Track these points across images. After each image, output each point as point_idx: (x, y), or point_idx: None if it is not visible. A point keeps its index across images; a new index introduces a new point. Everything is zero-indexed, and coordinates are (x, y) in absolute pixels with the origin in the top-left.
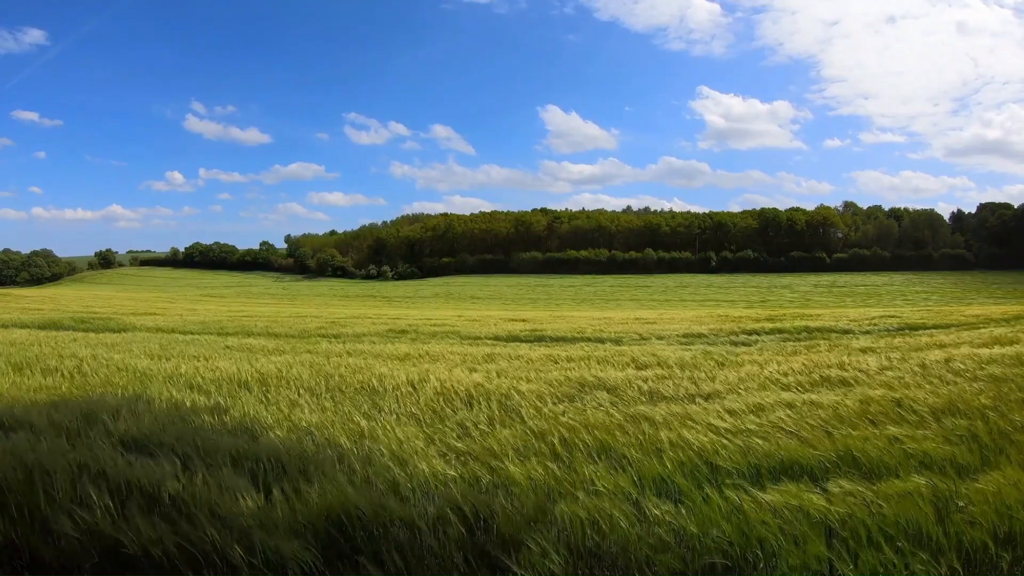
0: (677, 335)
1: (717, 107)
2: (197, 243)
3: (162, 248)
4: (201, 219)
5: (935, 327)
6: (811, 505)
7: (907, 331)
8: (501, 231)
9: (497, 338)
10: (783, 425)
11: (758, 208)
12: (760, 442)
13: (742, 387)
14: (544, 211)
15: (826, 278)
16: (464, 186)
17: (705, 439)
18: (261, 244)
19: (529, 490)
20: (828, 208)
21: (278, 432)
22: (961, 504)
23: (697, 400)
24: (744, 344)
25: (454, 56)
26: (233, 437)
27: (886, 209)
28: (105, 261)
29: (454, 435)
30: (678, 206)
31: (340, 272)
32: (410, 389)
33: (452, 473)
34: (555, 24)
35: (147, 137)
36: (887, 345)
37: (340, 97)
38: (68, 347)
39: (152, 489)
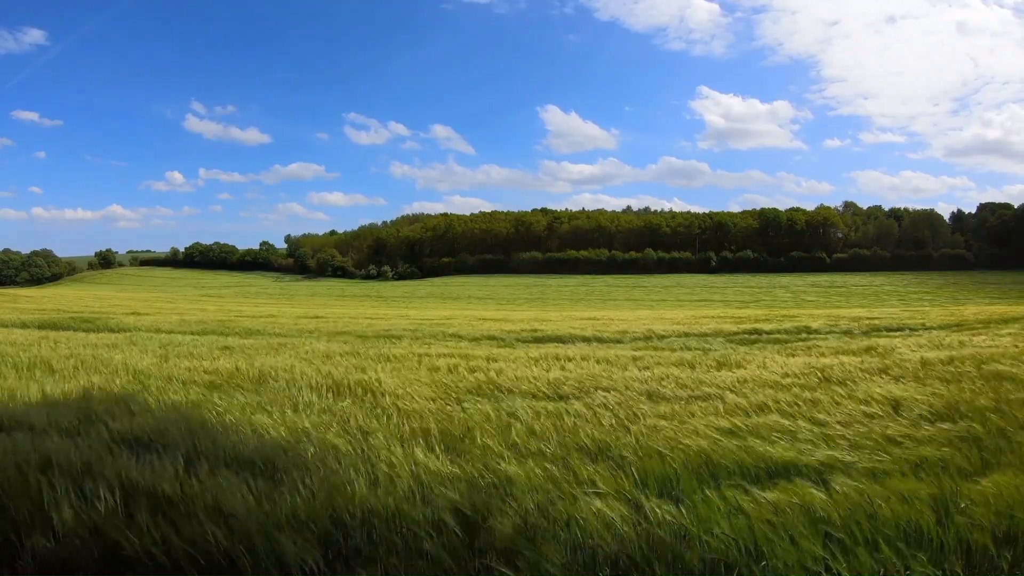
0: (677, 335)
1: (717, 107)
2: (197, 243)
3: (162, 248)
4: (201, 219)
5: (935, 327)
6: (810, 505)
7: (907, 331)
8: (501, 231)
9: (497, 338)
10: (783, 425)
11: (758, 208)
12: (759, 442)
13: (742, 387)
14: (544, 211)
15: (825, 278)
16: (464, 186)
17: (705, 439)
18: (261, 244)
19: (528, 490)
20: (828, 208)
21: (279, 431)
22: (961, 505)
23: (697, 400)
24: (744, 344)
25: (454, 56)
26: (233, 436)
27: (886, 209)
28: (105, 261)
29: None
30: (678, 206)
31: (340, 272)
32: (408, 391)
33: (452, 471)
34: (555, 24)
35: (147, 137)
36: (887, 346)
37: (340, 97)
38: (68, 347)
39: (152, 489)
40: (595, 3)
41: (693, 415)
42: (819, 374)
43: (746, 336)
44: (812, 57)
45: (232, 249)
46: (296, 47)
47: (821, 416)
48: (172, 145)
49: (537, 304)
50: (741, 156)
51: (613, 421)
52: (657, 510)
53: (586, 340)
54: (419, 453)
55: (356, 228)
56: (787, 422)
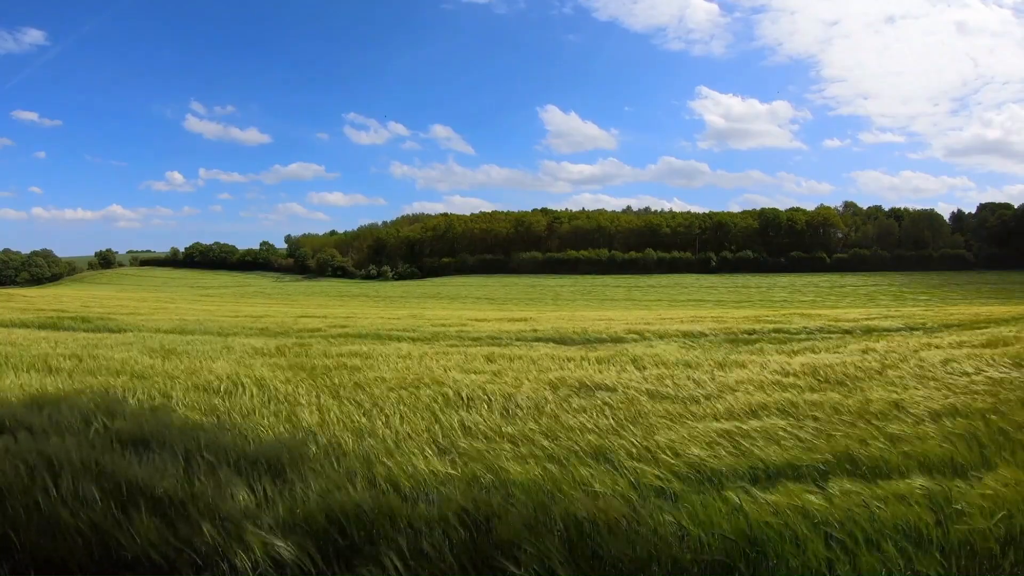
0: (677, 335)
1: (716, 107)
2: (197, 243)
3: (162, 248)
4: (201, 219)
5: (935, 328)
6: (810, 506)
7: (907, 331)
8: (501, 231)
9: (497, 338)
10: (783, 425)
11: (758, 208)
12: (760, 442)
13: (742, 387)
14: (544, 211)
15: (825, 278)
16: (464, 186)
17: (705, 440)
18: (261, 244)
19: (528, 491)
20: (828, 208)
21: (278, 431)
22: (961, 505)
23: (697, 400)
24: (744, 344)
25: (454, 56)
26: (233, 436)
27: (886, 209)
28: (105, 261)
29: (457, 434)
30: (678, 206)
31: (340, 272)
32: (409, 390)
33: (452, 472)
34: (554, 24)
35: (147, 137)
36: (886, 346)
37: (340, 97)
38: (68, 347)
39: (152, 488)
40: (594, 3)
41: (693, 415)
42: (819, 374)
43: (746, 336)
44: (812, 57)
45: (232, 249)
46: (296, 47)
47: (821, 416)
48: (172, 145)
49: (542, 304)
50: (741, 156)
51: (612, 421)
52: (656, 510)
53: (587, 340)
54: None
55: (356, 228)
56: (787, 422)
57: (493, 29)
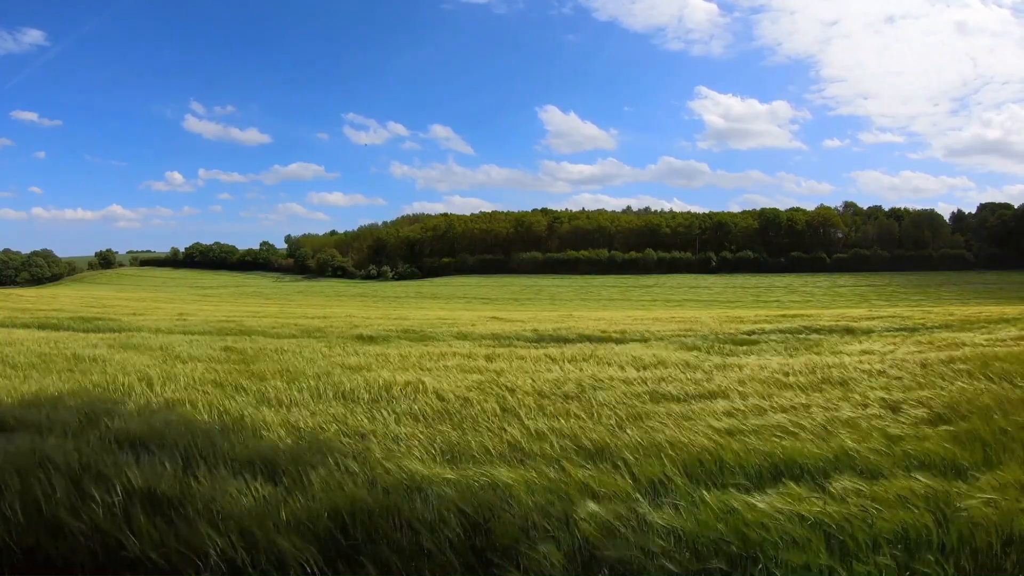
0: (677, 335)
1: (716, 107)
2: (197, 243)
3: (162, 248)
4: (201, 219)
5: (934, 328)
6: (810, 506)
7: (907, 331)
8: (501, 231)
9: (497, 338)
10: (783, 425)
11: (758, 208)
12: (760, 442)
13: (742, 387)
14: (544, 211)
15: (826, 279)
16: (464, 186)
17: (705, 439)
18: (261, 244)
19: (528, 491)
20: (828, 208)
21: (278, 431)
22: (961, 505)
23: (698, 400)
24: (744, 344)
25: (453, 56)
26: (232, 436)
27: (886, 209)
28: (105, 261)
29: (453, 436)
30: (678, 206)
31: (340, 272)
32: (411, 390)
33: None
34: (554, 24)
35: (147, 137)
36: (886, 346)
37: (339, 97)
38: (68, 347)
39: (152, 489)
40: (594, 3)
41: (693, 415)
42: (819, 374)
43: (746, 336)
44: (811, 57)
45: (232, 249)
46: (296, 47)
47: (821, 415)
48: (172, 145)
49: (542, 304)
50: (740, 156)
51: (612, 421)
52: (656, 511)
53: (586, 340)
54: None
55: (356, 228)
56: (786, 422)
57: (493, 29)
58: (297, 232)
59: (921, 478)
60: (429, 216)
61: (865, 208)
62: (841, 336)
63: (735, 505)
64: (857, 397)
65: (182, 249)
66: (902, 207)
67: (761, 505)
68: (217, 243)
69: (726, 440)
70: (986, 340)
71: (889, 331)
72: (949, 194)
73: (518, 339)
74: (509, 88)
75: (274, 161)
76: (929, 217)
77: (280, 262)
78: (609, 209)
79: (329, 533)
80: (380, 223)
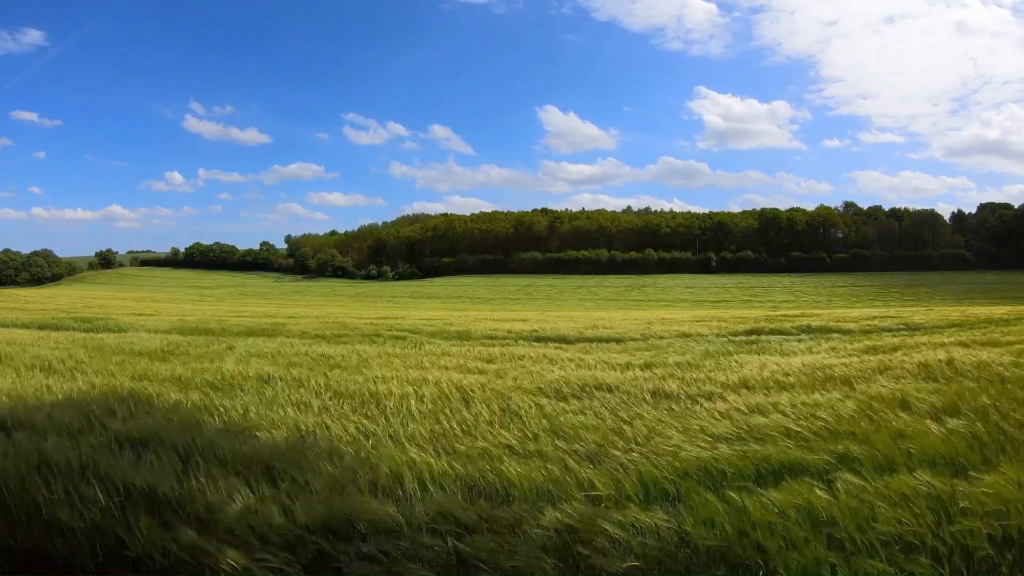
0: (677, 335)
1: (716, 107)
2: (197, 243)
3: (162, 248)
4: (201, 219)
5: (934, 328)
6: (811, 506)
7: (907, 331)
8: (501, 231)
9: (497, 338)
10: (784, 425)
11: (758, 208)
12: (761, 441)
13: (742, 387)
14: (544, 211)
15: (826, 279)
16: (464, 186)
17: (706, 439)
18: (261, 244)
19: (528, 491)
20: (828, 208)
21: (279, 431)
22: (961, 504)
23: (698, 400)
24: (744, 344)
25: (453, 56)
26: (232, 437)
27: (886, 209)
28: (105, 261)
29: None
30: (678, 206)
31: (340, 272)
32: (412, 390)
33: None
34: (553, 24)
35: (147, 137)
36: (886, 345)
37: (339, 97)
38: (69, 347)
39: (151, 489)
40: (593, 3)
41: (694, 415)
42: (819, 374)
43: (746, 337)
44: (811, 57)
45: (232, 249)
46: (296, 47)
47: (821, 415)
48: (171, 145)
49: (543, 304)
50: (740, 156)
51: (614, 421)
52: (655, 511)
53: (587, 340)
54: None
55: (356, 228)
56: (787, 421)
57: (492, 29)
58: (297, 232)
59: (920, 477)
60: (429, 216)
61: (865, 208)
62: (841, 336)
63: (738, 504)
64: (858, 396)
65: (182, 249)
66: (902, 207)
67: (763, 503)
68: (217, 243)
69: (728, 439)
70: (984, 340)
71: (889, 331)
72: (949, 194)
73: (517, 339)
74: (509, 88)
75: (274, 161)
76: (929, 217)
77: (280, 262)
78: (609, 209)
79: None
80: (380, 223)
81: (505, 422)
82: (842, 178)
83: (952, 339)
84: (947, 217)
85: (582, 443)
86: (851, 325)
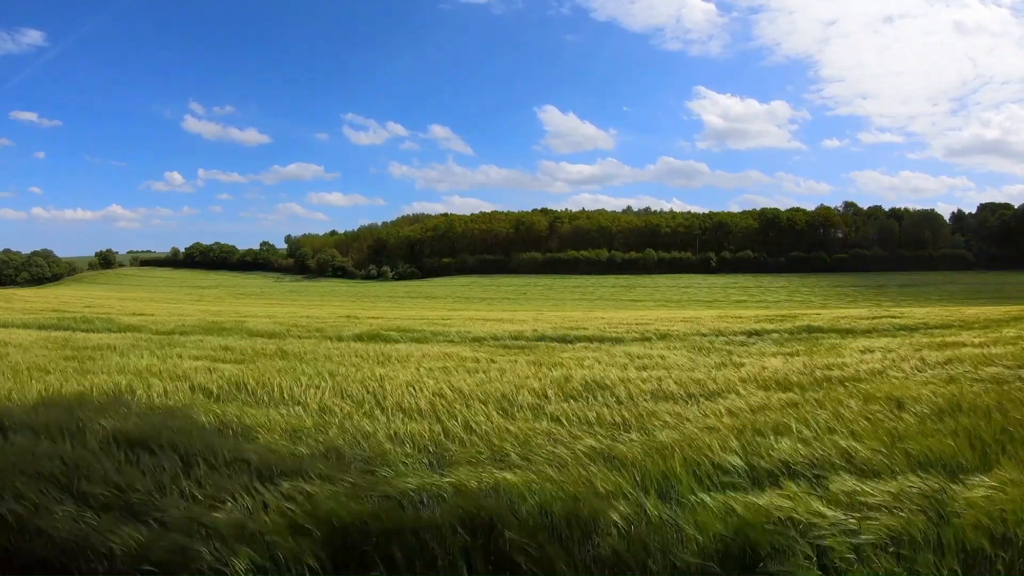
0: (677, 335)
1: (715, 107)
2: (197, 243)
3: (162, 248)
4: (201, 219)
5: (935, 327)
6: (810, 505)
7: (907, 331)
8: (501, 231)
9: (498, 338)
10: (784, 424)
11: (758, 208)
12: (760, 441)
13: (743, 387)
14: (544, 211)
15: (826, 279)
16: (463, 186)
17: (706, 439)
18: (261, 244)
19: (530, 491)
20: (828, 208)
21: (279, 432)
22: (960, 504)
23: (699, 400)
24: (744, 344)
25: (452, 56)
26: (232, 437)
27: (886, 209)
28: (105, 261)
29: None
30: (678, 206)
31: (340, 272)
32: (411, 390)
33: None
34: (552, 24)
35: (146, 137)
36: (886, 345)
37: (339, 97)
38: (68, 347)
39: (151, 490)
40: (592, 3)
41: (695, 415)
42: (819, 374)
43: (746, 337)
44: (810, 57)
45: (232, 249)
46: (295, 47)
47: (822, 415)
48: (171, 145)
49: (543, 304)
50: (740, 156)
51: (614, 421)
52: (656, 511)
53: (587, 340)
54: None
55: (356, 228)
56: (786, 421)
57: (491, 29)
58: (297, 232)
59: (920, 476)
60: (429, 216)
61: (865, 208)
62: (841, 336)
63: (737, 503)
64: (858, 396)
65: (182, 249)
66: (902, 207)
67: (763, 503)
68: (217, 243)
69: (728, 439)
70: (981, 340)
71: (889, 331)
72: (949, 194)
73: (518, 339)
74: (508, 88)
75: (274, 161)
76: (929, 217)
77: (280, 262)
78: (609, 209)
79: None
80: (380, 223)
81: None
82: (842, 178)
83: (952, 339)
84: (947, 217)
85: (584, 442)
86: (851, 325)
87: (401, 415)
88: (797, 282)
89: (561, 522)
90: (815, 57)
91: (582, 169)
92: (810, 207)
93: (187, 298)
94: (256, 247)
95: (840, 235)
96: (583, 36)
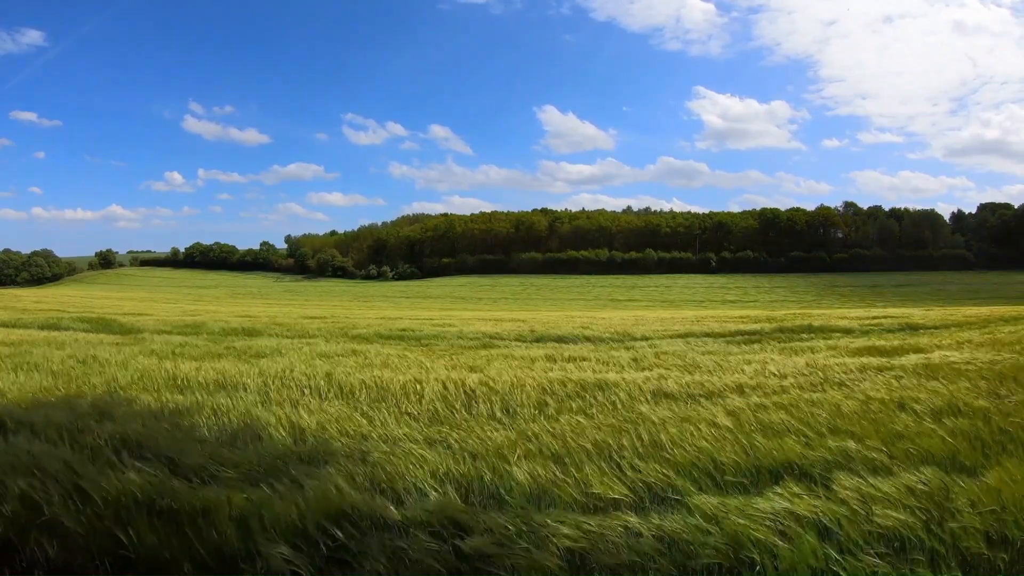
0: (677, 335)
1: (714, 107)
2: (197, 243)
3: (162, 248)
4: (201, 219)
5: (935, 328)
6: (810, 504)
7: (907, 331)
8: (501, 231)
9: (498, 338)
10: (784, 424)
11: (758, 208)
12: (761, 441)
13: (743, 387)
14: (544, 211)
15: (826, 278)
16: (463, 186)
17: (706, 439)
18: (261, 244)
19: (527, 491)
20: (828, 208)
21: (279, 432)
22: (960, 504)
23: (698, 400)
24: (745, 344)
25: (451, 56)
26: (232, 438)
27: (886, 209)
28: (105, 261)
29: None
30: (678, 206)
31: (340, 272)
32: (416, 388)
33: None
34: (552, 24)
35: (146, 137)
36: (886, 345)
37: (338, 97)
38: (69, 347)
39: (150, 490)
40: (592, 3)
41: (695, 415)
42: (820, 374)
43: (746, 337)
44: (810, 57)
45: (232, 249)
46: (295, 47)
47: (821, 415)
48: (171, 145)
49: (543, 304)
50: (739, 156)
51: (614, 420)
52: (656, 510)
53: (587, 340)
54: None
55: (356, 228)
56: (786, 421)
57: (490, 29)
58: (297, 232)
59: (919, 475)
60: (429, 216)
61: (865, 208)
62: (841, 336)
63: (737, 503)
64: (858, 396)
65: (182, 249)
66: (902, 207)
67: (763, 502)
68: (217, 243)
69: (728, 439)
70: (984, 340)
71: (889, 331)
72: (949, 194)
73: (516, 339)
74: (508, 88)
75: (273, 161)
76: (929, 217)
77: (280, 262)
78: (609, 209)
79: None
80: (380, 223)
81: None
82: (841, 178)
83: (952, 339)
84: (947, 217)
85: (583, 441)
86: (851, 325)
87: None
88: (798, 282)
89: None
90: (815, 57)
91: (582, 169)
92: (810, 207)
93: (186, 298)
94: (256, 247)
95: (840, 235)
96: (582, 36)
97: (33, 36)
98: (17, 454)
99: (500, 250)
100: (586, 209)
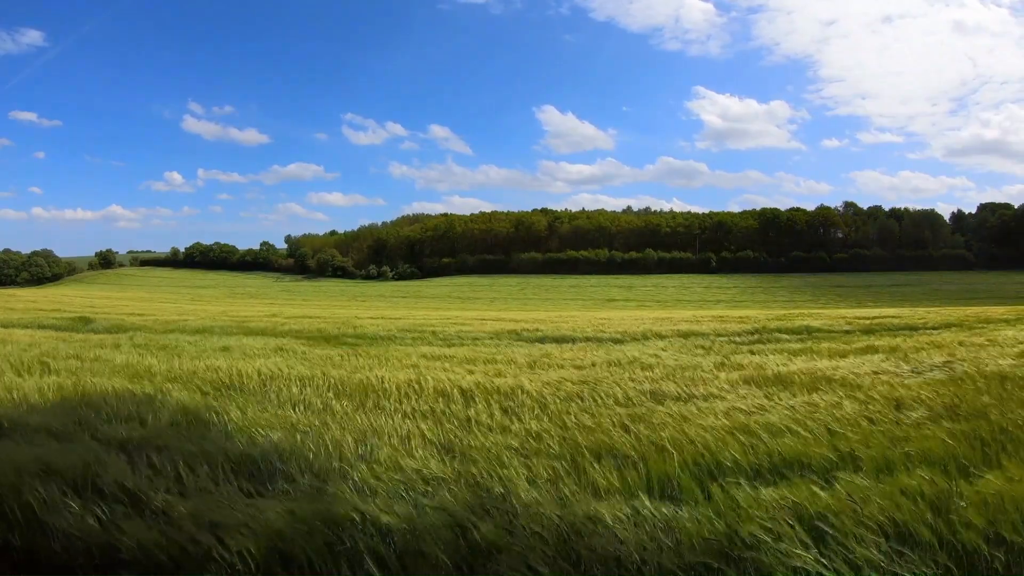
0: (677, 335)
1: (714, 107)
2: (197, 243)
3: (162, 248)
4: (201, 219)
5: (934, 328)
6: (809, 504)
7: (907, 331)
8: (501, 231)
9: (497, 337)
10: (784, 424)
11: (758, 208)
12: (761, 440)
13: (743, 386)
14: (544, 211)
15: (826, 278)
16: (463, 186)
17: (706, 438)
18: (261, 244)
19: (530, 489)
20: (829, 208)
21: (278, 432)
22: (960, 503)
23: (698, 400)
24: (745, 344)
25: (451, 56)
26: (232, 438)
27: (886, 209)
28: (105, 261)
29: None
30: (677, 206)
31: (340, 272)
32: (415, 389)
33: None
34: (551, 24)
35: (146, 137)
36: (886, 345)
37: (338, 97)
38: (69, 347)
39: (150, 491)
40: (591, 3)
41: (695, 415)
42: (820, 374)
43: (746, 337)
44: (809, 57)
45: (232, 249)
46: (295, 47)
47: (820, 415)
48: (171, 145)
49: (543, 304)
50: (739, 156)
51: (615, 420)
52: (656, 509)
53: (586, 340)
54: None
55: (356, 228)
56: (786, 421)
57: (490, 29)
58: (297, 232)
59: (919, 475)
60: (429, 216)
61: (865, 208)
62: (841, 336)
63: (736, 501)
64: (857, 396)
65: (182, 249)
66: (902, 207)
67: (763, 502)
68: (217, 243)
69: (728, 438)
70: (984, 340)
71: (889, 331)
72: (949, 194)
73: (516, 339)
74: (507, 88)
75: (273, 161)
76: (929, 217)
77: (280, 262)
78: (609, 209)
79: None
80: (380, 223)
81: None
82: (841, 178)
83: (952, 339)
84: (947, 217)
85: (586, 440)
86: (851, 325)
87: None
88: (798, 282)
89: None
90: (814, 57)
91: (582, 169)
92: (810, 207)
93: (184, 298)
94: (256, 247)
95: (840, 235)
96: (582, 36)
97: (33, 36)
98: None
99: (500, 250)
100: (586, 209)
